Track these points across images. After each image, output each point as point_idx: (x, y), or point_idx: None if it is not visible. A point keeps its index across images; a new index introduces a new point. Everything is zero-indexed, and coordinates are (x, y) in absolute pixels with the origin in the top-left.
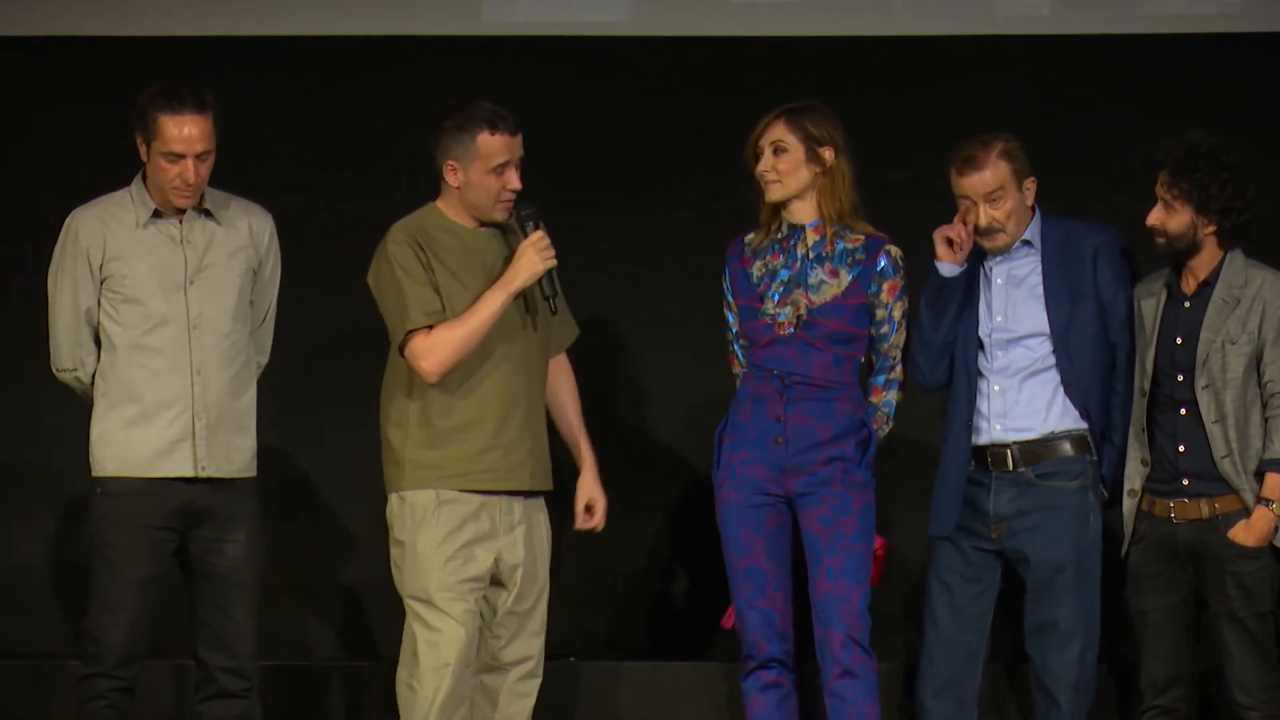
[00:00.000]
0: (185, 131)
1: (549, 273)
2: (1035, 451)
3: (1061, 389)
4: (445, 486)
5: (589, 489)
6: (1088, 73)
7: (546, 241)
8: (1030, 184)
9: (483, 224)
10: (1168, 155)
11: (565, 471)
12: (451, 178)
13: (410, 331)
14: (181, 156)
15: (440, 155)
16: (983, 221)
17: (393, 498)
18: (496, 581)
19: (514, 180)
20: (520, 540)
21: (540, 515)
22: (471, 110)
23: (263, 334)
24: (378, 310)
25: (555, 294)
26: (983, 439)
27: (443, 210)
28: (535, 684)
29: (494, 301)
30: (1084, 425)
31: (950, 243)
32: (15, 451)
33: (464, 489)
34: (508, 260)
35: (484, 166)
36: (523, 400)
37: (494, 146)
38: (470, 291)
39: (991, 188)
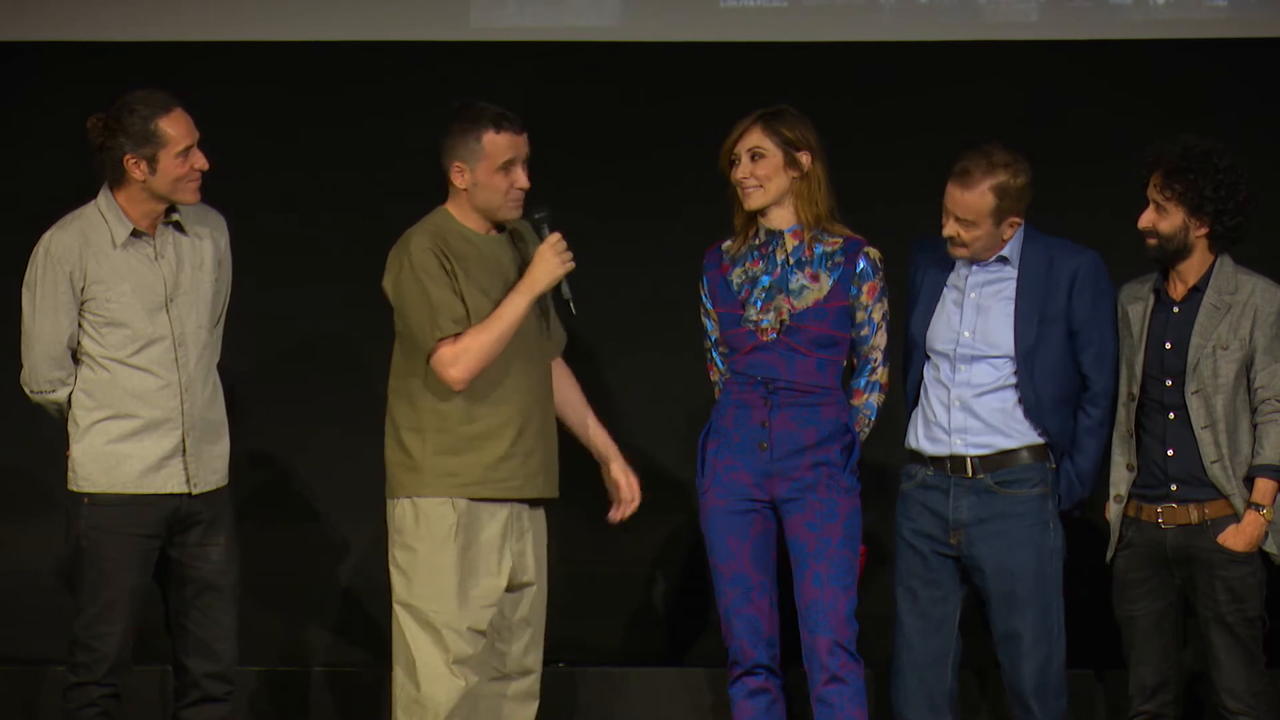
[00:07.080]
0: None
1: (566, 276)
2: (995, 460)
3: (1020, 408)
4: (462, 495)
5: (619, 473)
6: (1076, 78)
7: (564, 244)
8: (1015, 221)
9: (495, 227)
10: (1161, 157)
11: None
12: (459, 179)
13: (439, 339)
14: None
15: (447, 158)
16: (946, 231)
17: (404, 503)
18: (509, 588)
19: (522, 179)
20: (529, 548)
21: (542, 523)
22: (477, 111)
23: (217, 335)
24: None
25: (572, 296)
26: (942, 450)
27: (454, 215)
28: (534, 706)
29: (518, 306)
30: (1043, 440)
31: None
32: None
33: (482, 497)
34: (521, 265)
35: (490, 165)
36: (537, 407)
37: (499, 145)
38: (490, 298)
39: (966, 215)
